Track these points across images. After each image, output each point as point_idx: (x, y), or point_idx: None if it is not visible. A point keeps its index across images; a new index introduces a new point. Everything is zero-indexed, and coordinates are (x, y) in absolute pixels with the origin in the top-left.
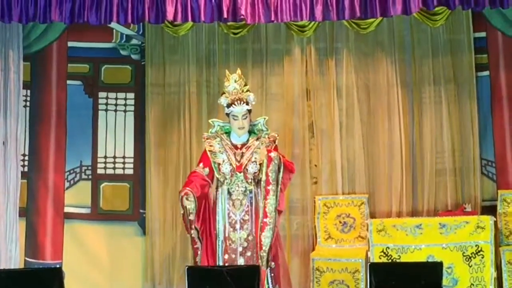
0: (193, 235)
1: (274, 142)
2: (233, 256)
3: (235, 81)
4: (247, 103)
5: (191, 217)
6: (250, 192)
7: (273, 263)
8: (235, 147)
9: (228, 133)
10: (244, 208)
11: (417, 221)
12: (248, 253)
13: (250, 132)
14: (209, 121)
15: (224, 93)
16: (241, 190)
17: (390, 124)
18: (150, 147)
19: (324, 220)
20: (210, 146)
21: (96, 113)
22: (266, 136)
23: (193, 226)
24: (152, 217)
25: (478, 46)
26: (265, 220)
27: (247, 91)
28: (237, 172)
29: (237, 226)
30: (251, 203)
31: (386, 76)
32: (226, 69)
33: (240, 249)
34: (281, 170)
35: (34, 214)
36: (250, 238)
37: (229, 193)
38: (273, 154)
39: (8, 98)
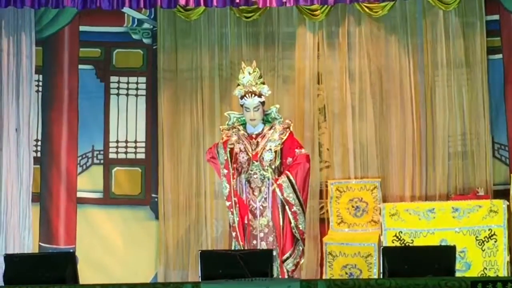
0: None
1: (288, 129)
2: (254, 242)
3: (249, 74)
4: (260, 96)
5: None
6: (268, 179)
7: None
8: (251, 137)
9: (244, 124)
10: (263, 195)
11: (430, 205)
12: (270, 239)
13: (265, 121)
14: (225, 113)
15: (239, 84)
16: (260, 178)
17: (402, 107)
18: (163, 131)
19: (336, 205)
20: (228, 136)
21: (108, 98)
22: (280, 124)
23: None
24: (165, 201)
25: (490, 29)
26: (303, 237)
27: (262, 83)
28: (254, 161)
29: (257, 213)
30: (269, 190)
31: (398, 59)
32: (242, 61)
33: (261, 235)
34: (295, 186)
35: (48, 200)
36: (270, 224)
37: (248, 182)
38: (280, 181)
39: (21, 83)
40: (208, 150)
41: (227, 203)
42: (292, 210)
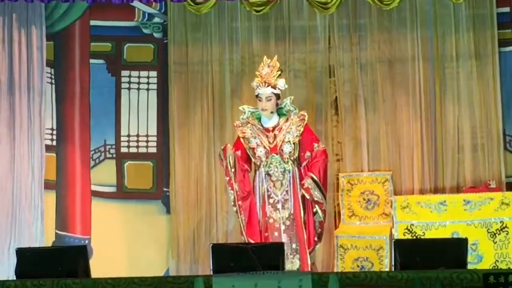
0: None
1: (304, 120)
2: (276, 234)
3: (268, 66)
4: (274, 87)
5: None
6: (289, 172)
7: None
8: (267, 130)
9: (259, 118)
10: (285, 188)
11: (441, 198)
12: (292, 231)
13: (280, 114)
14: (240, 108)
15: (257, 76)
16: (280, 171)
17: (413, 100)
18: (174, 125)
19: (348, 198)
20: (243, 132)
21: (119, 92)
22: (296, 116)
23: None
24: (177, 195)
25: (501, 21)
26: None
27: (279, 76)
28: (273, 154)
29: (279, 206)
30: (290, 182)
31: (408, 52)
32: (264, 55)
33: (283, 227)
34: (320, 185)
35: (64, 188)
36: (292, 217)
37: (269, 175)
38: (306, 184)
39: (31, 77)
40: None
41: (234, 209)
42: (322, 208)
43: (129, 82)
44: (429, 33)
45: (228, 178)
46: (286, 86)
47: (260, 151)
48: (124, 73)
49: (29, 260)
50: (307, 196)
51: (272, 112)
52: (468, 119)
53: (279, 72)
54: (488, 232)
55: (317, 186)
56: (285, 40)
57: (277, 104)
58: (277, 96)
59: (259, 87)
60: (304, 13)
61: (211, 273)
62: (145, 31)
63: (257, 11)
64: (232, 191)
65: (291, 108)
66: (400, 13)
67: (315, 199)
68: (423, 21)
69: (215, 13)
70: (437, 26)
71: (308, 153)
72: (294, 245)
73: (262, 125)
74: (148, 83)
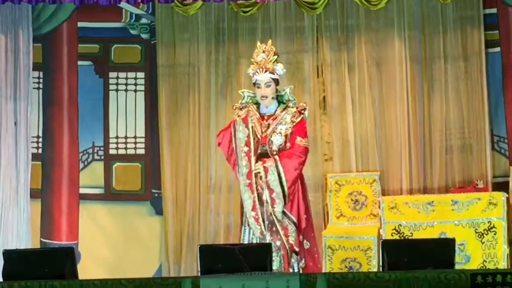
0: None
1: (302, 113)
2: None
3: (263, 51)
4: (272, 73)
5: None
6: None
7: (308, 243)
8: (262, 118)
9: (258, 104)
10: None
11: (429, 198)
12: (274, 228)
13: (279, 102)
14: (239, 91)
15: (253, 63)
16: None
17: (400, 100)
18: (162, 127)
19: (335, 198)
20: (239, 116)
21: (107, 93)
22: (294, 106)
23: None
24: (167, 196)
25: (489, 22)
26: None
27: (275, 61)
28: (263, 144)
29: (263, 199)
30: None
31: (396, 52)
32: (258, 42)
33: (266, 223)
34: (281, 174)
35: (49, 196)
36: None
37: None
38: (266, 164)
39: (18, 80)
40: (221, 132)
41: (247, 181)
42: (272, 195)
43: (117, 84)
44: (417, 33)
45: (247, 148)
46: (285, 71)
47: (253, 139)
48: (112, 74)
49: (16, 262)
50: (263, 176)
51: (273, 98)
52: (456, 119)
53: (275, 57)
54: (476, 232)
55: (276, 171)
56: (272, 41)
57: (276, 90)
58: (276, 82)
59: (256, 73)
60: (292, 14)
61: (199, 274)
62: (133, 32)
63: (244, 12)
64: (249, 164)
65: (290, 98)
66: (387, 14)
67: (268, 181)
68: (411, 21)
69: (202, 14)
70: (424, 27)
71: (288, 145)
72: (278, 243)
73: (259, 112)
74: (135, 84)
